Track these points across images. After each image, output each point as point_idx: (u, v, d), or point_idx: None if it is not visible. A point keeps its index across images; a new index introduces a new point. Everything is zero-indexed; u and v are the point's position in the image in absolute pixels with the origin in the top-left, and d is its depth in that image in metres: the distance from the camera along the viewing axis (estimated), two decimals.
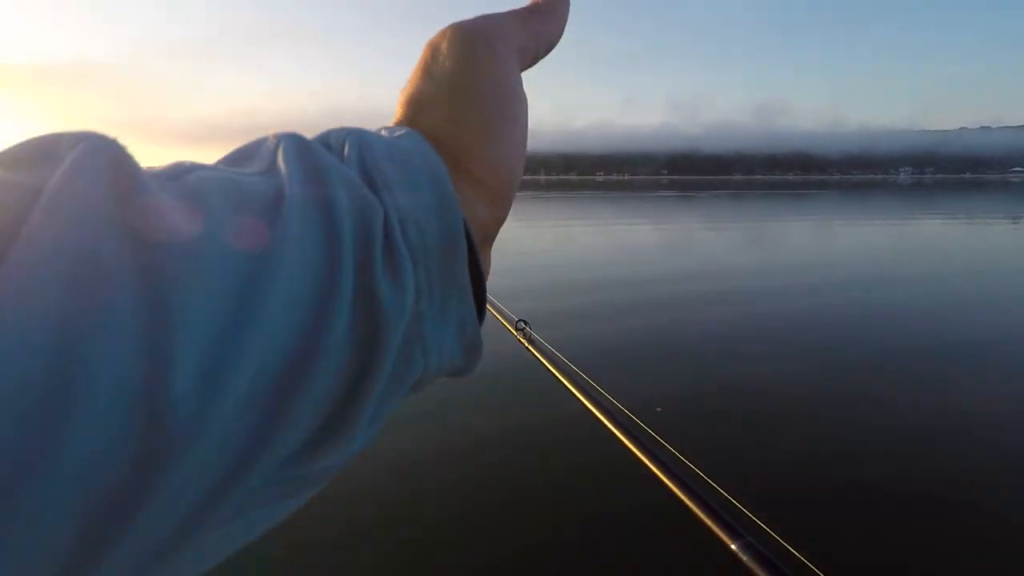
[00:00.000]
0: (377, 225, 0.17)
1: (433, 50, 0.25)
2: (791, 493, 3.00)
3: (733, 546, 0.72)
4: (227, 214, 0.15)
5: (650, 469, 0.87)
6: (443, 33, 0.25)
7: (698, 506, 0.80)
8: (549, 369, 1.43)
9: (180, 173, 0.16)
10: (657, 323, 6.36)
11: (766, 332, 6.06)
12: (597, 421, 1.16)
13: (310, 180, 0.17)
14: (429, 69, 0.24)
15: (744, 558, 0.70)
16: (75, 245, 0.12)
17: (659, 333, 6.01)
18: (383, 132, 0.22)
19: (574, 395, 1.28)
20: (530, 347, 1.52)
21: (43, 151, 0.14)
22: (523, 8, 0.27)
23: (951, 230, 17.44)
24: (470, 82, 0.24)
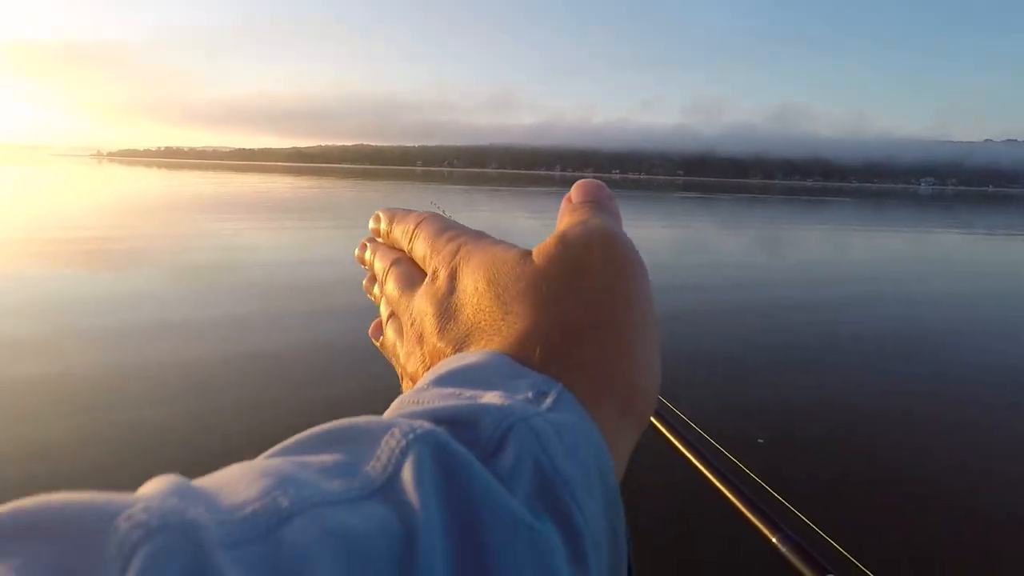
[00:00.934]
0: None
1: (576, 265, 0.22)
2: (830, 488, 3.02)
3: (774, 539, 0.76)
4: None
5: (690, 460, 0.91)
6: (588, 243, 0.23)
7: (739, 499, 0.84)
8: None
9: (270, 525, 0.12)
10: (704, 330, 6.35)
11: (791, 329, 6.05)
12: None
13: (462, 535, 0.13)
14: (573, 288, 0.22)
15: (784, 549, 0.74)
16: None
17: (702, 337, 6.00)
18: (530, 392, 0.18)
19: None
20: None
21: (87, 531, 0.11)
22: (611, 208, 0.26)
23: (972, 244, 17.20)
24: (633, 303, 0.22)
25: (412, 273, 0.28)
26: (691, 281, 8.68)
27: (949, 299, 8.30)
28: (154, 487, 0.12)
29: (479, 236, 0.26)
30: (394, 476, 0.14)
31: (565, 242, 0.23)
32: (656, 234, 15.52)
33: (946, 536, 2.64)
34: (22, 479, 2.64)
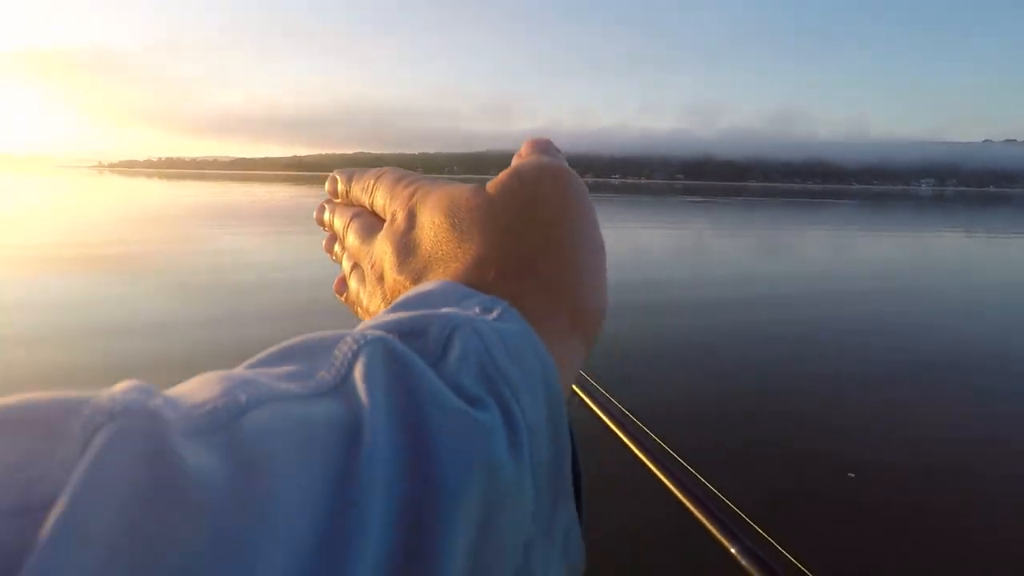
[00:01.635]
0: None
1: (528, 195, 0.24)
2: (790, 499, 3.01)
3: (732, 550, 0.75)
4: (301, 479, 0.12)
5: (651, 471, 0.90)
6: (539, 175, 0.24)
7: (699, 510, 0.82)
8: None
9: (230, 416, 0.13)
10: (667, 328, 6.35)
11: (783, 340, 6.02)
12: (599, 422, 1.19)
13: (403, 422, 0.14)
14: (525, 217, 0.23)
15: (743, 562, 0.73)
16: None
17: (663, 338, 5.99)
18: (477, 308, 0.19)
19: (578, 395, 1.31)
20: None
21: (52, 423, 0.11)
22: (546, 147, 0.27)
23: (975, 244, 17.20)
24: (581, 230, 0.24)
25: (372, 223, 0.28)
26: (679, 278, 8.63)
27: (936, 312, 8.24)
28: (120, 387, 0.12)
29: (435, 180, 0.27)
30: (346, 376, 0.15)
31: (519, 174, 0.24)
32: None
33: (909, 549, 2.63)
34: None
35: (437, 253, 0.24)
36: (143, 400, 0.12)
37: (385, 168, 0.30)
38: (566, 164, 0.26)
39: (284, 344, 0.17)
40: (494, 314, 0.19)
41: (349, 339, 0.16)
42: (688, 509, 0.86)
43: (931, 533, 2.72)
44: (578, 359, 0.23)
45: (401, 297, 0.21)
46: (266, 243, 12.32)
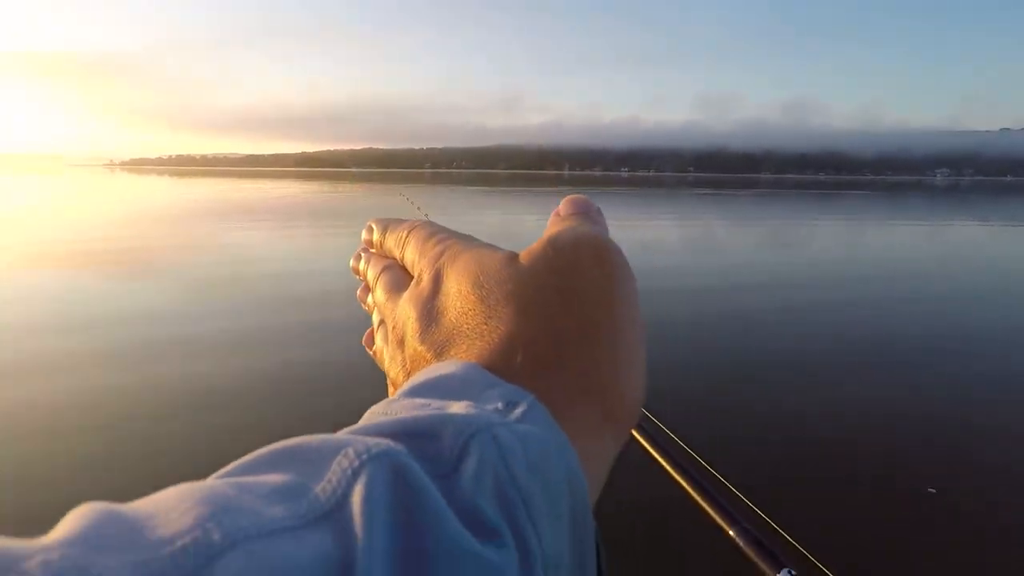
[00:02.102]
0: None
1: (565, 270, 0.22)
2: (789, 482, 3.01)
3: (731, 532, 0.75)
4: None
5: (651, 455, 0.90)
6: (577, 248, 0.22)
7: (698, 493, 0.83)
8: None
9: (199, 563, 0.11)
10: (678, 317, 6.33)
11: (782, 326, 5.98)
12: None
13: (405, 564, 0.13)
14: (561, 296, 0.21)
15: (740, 543, 0.73)
16: None
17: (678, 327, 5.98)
18: (500, 403, 0.18)
19: None
20: None
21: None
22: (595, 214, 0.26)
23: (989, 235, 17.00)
24: (622, 313, 0.22)
25: (401, 278, 0.28)
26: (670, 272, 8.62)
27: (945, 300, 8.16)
28: (67, 527, 0.11)
29: (467, 239, 0.26)
30: (343, 500, 0.13)
31: (555, 245, 0.23)
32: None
33: (902, 532, 2.66)
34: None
35: (462, 327, 0.22)
36: (85, 563, 0.10)
37: (418, 221, 0.29)
38: (607, 232, 0.24)
39: (278, 446, 0.15)
40: (518, 412, 0.18)
41: (351, 451, 0.14)
42: (687, 491, 0.87)
43: (948, 525, 2.72)
44: (610, 457, 0.21)
45: (420, 376, 0.20)
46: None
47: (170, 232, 13.77)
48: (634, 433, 0.97)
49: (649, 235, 14.50)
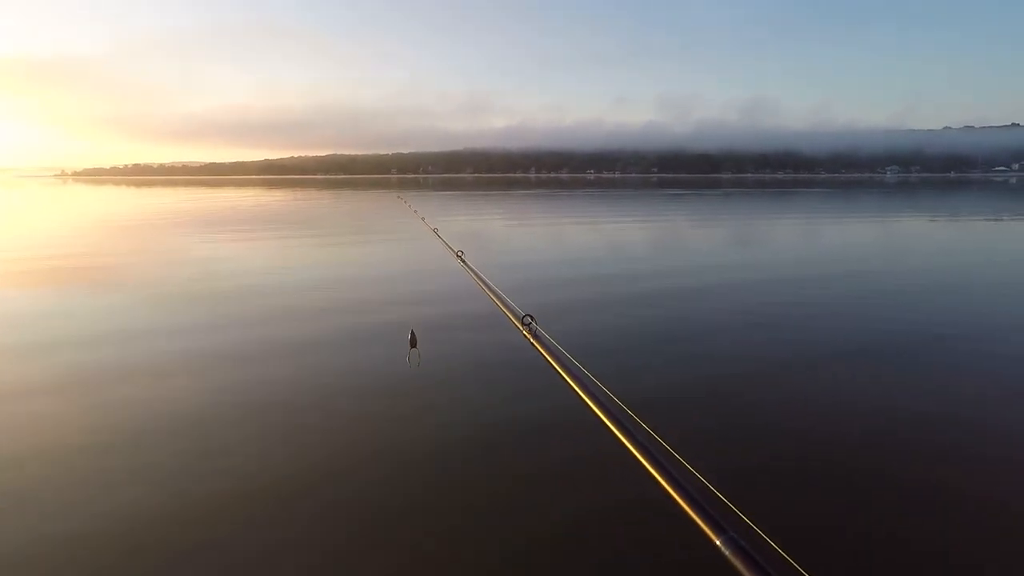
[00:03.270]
0: None
1: None
2: (776, 487, 3.05)
3: (718, 541, 0.75)
4: None
5: (641, 463, 0.90)
6: None
7: (686, 501, 0.83)
8: (550, 363, 1.45)
9: None
10: (654, 315, 6.38)
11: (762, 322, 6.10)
12: (592, 413, 1.19)
13: None
14: None
15: (727, 553, 0.73)
16: None
17: (656, 324, 6.03)
18: None
19: (573, 389, 1.31)
20: (534, 342, 1.55)
21: None
22: None
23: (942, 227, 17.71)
24: None
25: None
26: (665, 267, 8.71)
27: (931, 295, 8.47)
28: None
29: None
30: None
31: None
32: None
33: (893, 541, 2.70)
34: None
35: None
36: None
37: None
38: None
39: None
40: None
41: None
42: (673, 498, 0.86)
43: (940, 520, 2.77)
44: None
45: None
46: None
47: (107, 245, 13.27)
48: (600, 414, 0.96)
49: (692, 234, 14.59)
